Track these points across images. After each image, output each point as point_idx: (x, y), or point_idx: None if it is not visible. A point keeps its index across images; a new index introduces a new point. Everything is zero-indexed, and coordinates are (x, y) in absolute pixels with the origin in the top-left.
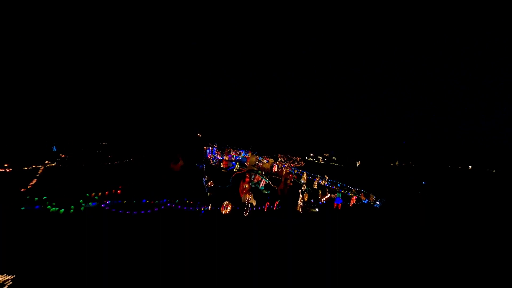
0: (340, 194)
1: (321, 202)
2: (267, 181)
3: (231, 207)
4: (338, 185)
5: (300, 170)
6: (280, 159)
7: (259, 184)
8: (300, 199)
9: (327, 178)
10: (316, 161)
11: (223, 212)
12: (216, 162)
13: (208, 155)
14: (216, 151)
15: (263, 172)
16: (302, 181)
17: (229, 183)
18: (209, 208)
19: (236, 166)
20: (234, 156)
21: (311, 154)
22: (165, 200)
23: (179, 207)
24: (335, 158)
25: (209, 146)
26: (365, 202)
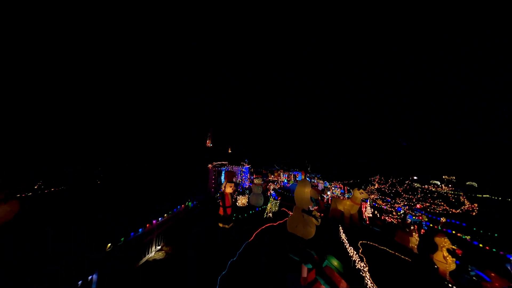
0: None
1: None
2: None
3: None
4: None
5: (451, 224)
6: (377, 188)
7: None
8: None
9: None
10: (433, 188)
11: None
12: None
13: (239, 179)
14: (250, 173)
15: (342, 226)
16: None
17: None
18: None
19: (272, 205)
20: (281, 182)
21: (415, 177)
22: None
23: None
24: (475, 184)
25: (239, 165)
26: None
